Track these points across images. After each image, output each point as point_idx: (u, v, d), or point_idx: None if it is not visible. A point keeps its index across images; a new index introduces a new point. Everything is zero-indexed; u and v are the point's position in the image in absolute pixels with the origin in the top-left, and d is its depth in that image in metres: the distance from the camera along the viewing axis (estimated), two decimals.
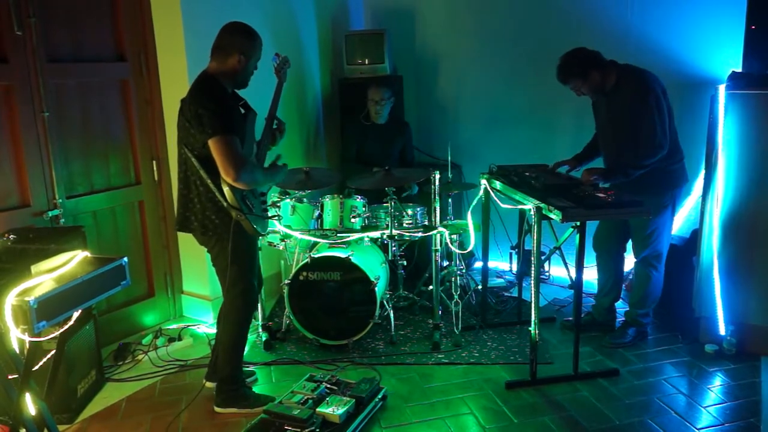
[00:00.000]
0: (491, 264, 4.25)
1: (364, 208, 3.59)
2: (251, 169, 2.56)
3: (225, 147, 2.45)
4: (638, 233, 3.38)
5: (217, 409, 2.92)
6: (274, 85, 3.02)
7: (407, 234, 3.57)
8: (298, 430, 2.56)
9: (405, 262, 3.99)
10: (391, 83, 4.52)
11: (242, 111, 2.75)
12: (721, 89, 3.26)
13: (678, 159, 3.28)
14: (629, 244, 3.52)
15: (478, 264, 4.41)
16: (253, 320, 3.21)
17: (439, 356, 3.42)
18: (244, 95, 2.82)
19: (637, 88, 3.17)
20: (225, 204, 2.58)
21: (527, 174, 3.30)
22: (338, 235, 3.49)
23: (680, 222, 4.16)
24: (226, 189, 2.55)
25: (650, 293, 3.45)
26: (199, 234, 2.73)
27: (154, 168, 3.81)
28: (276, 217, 3.37)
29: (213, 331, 3.75)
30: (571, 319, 3.81)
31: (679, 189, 3.35)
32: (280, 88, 2.94)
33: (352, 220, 3.55)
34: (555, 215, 2.83)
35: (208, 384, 3.06)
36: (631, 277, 3.85)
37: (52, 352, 2.34)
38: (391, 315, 3.64)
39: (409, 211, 3.64)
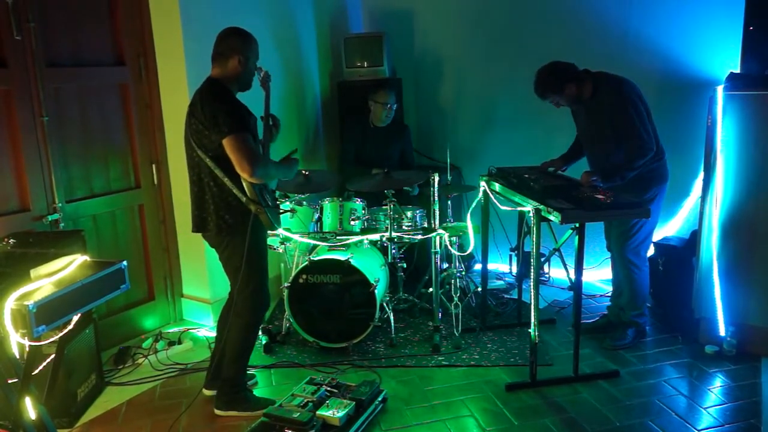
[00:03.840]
0: (491, 266, 4.25)
1: (363, 211, 3.59)
2: (265, 164, 2.66)
3: (240, 144, 2.54)
4: (617, 232, 3.40)
5: (217, 412, 2.92)
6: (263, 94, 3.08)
7: (407, 236, 3.57)
8: None
9: (405, 265, 4.00)
10: (392, 86, 4.53)
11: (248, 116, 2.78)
12: (719, 90, 3.26)
13: (658, 158, 3.29)
14: None
15: (478, 266, 4.40)
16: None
17: (440, 358, 3.42)
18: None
19: (613, 98, 3.21)
20: (244, 199, 2.65)
21: (526, 176, 3.31)
22: (338, 237, 3.50)
23: (680, 223, 4.17)
24: (245, 184, 2.63)
25: (637, 293, 3.45)
26: (214, 234, 2.76)
27: (154, 171, 3.81)
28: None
29: (213, 334, 3.75)
30: (587, 321, 3.77)
31: (659, 187, 3.34)
32: (267, 98, 3.04)
33: (352, 222, 3.55)
34: (554, 217, 2.83)
35: (207, 392, 3.05)
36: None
37: (52, 356, 2.34)
38: (391, 317, 3.64)
39: (409, 214, 3.64)
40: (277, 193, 3.56)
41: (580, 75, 3.29)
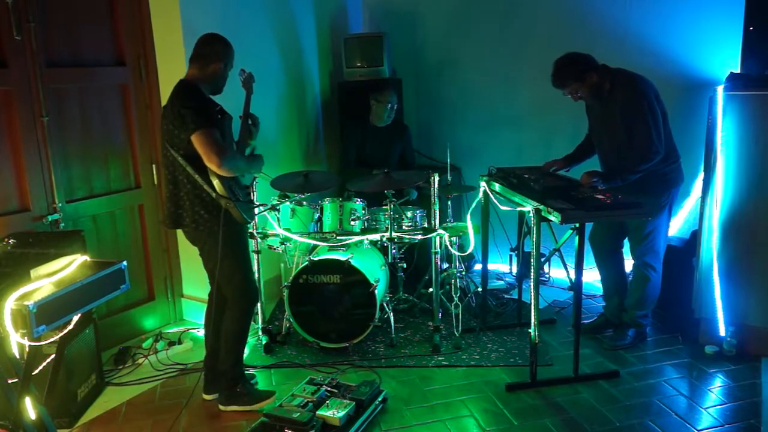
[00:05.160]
0: (491, 266, 4.25)
1: (363, 211, 3.59)
2: (233, 156, 2.73)
3: (206, 138, 2.63)
4: (635, 234, 3.39)
5: (220, 407, 2.96)
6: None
7: (407, 236, 3.57)
8: None
9: (405, 265, 4.00)
10: (395, 86, 4.53)
11: (219, 116, 2.83)
12: (720, 90, 3.26)
13: (673, 160, 3.29)
14: (626, 242, 3.52)
15: (478, 266, 4.41)
16: (252, 323, 3.22)
17: (440, 359, 3.42)
18: (224, 100, 2.88)
19: (629, 95, 3.18)
20: (214, 194, 2.70)
21: (526, 176, 3.31)
22: (338, 238, 3.50)
23: (680, 223, 4.17)
24: (215, 181, 2.69)
25: (648, 294, 3.45)
26: (192, 230, 2.83)
27: (154, 172, 3.81)
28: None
29: None
30: (586, 321, 3.77)
31: (675, 189, 3.35)
32: (248, 98, 3.09)
33: (352, 222, 3.55)
34: (554, 217, 2.83)
35: (207, 397, 3.07)
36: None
37: (52, 356, 2.34)
38: (391, 317, 3.64)
39: (409, 214, 3.64)
40: (277, 192, 3.58)
41: (599, 67, 3.25)
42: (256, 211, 3.22)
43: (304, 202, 3.60)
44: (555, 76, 3.28)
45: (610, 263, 3.60)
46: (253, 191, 3.30)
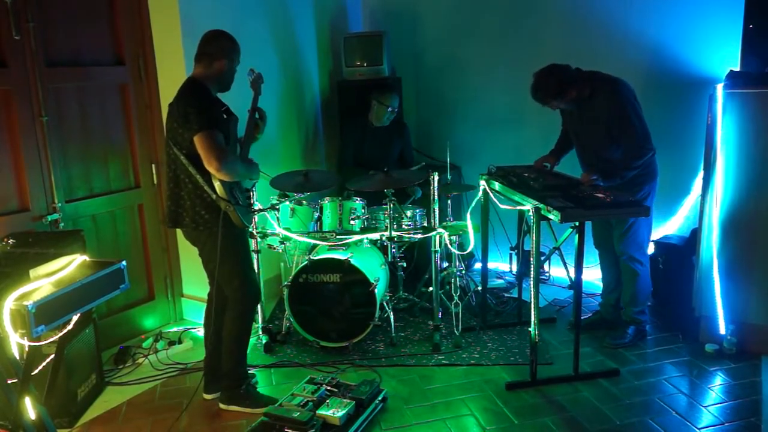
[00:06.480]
0: (491, 265, 4.25)
1: (363, 210, 3.59)
2: (233, 160, 2.70)
3: (208, 140, 2.60)
4: (618, 229, 3.41)
5: (221, 405, 2.96)
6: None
7: (406, 235, 3.57)
8: None
9: (404, 264, 4.00)
10: (397, 90, 4.53)
11: (225, 116, 2.82)
12: (719, 88, 3.26)
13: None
14: None
15: (478, 265, 4.40)
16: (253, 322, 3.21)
17: (440, 357, 3.42)
18: (229, 100, 2.87)
19: (612, 100, 3.19)
20: (214, 196, 2.69)
21: (526, 175, 3.31)
22: (337, 237, 3.50)
23: (680, 221, 4.17)
24: (216, 183, 2.67)
25: (640, 289, 3.45)
26: (191, 229, 2.81)
27: (154, 171, 3.81)
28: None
29: None
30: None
31: (652, 182, 3.35)
32: (256, 98, 3.08)
33: (352, 222, 3.55)
34: (554, 216, 2.83)
35: (207, 396, 3.07)
36: None
37: (52, 356, 2.34)
38: (391, 317, 3.64)
39: (408, 213, 3.63)
40: (276, 192, 3.58)
41: (576, 77, 3.26)
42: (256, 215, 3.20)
43: (304, 202, 3.60)
44: (534, 93, 3.29)
45: (612, 262, 3.60)
46: (252, 193, 3.29)
